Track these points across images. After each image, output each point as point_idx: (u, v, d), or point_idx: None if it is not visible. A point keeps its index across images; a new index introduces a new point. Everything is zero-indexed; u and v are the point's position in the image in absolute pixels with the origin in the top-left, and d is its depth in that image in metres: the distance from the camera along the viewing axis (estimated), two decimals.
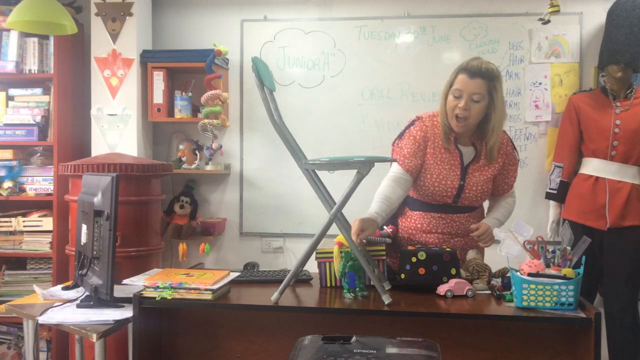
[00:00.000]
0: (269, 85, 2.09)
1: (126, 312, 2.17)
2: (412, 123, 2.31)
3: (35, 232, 3.44)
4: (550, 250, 1.96)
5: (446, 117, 2.22)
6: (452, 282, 2.04)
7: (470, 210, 2.34)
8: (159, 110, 3.57)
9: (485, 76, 2.14)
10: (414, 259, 2.08)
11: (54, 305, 2.30)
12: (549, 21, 3.08)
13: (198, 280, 2.02)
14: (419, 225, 2.34)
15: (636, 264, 3.02)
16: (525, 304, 1.88)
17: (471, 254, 2.27)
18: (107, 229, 2.23)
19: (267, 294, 2.02)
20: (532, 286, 1.87)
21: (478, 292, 2.08)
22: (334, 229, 2.05)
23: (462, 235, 2.33)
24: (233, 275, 2.17)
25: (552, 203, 3.33)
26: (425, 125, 2.28)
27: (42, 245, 3.43)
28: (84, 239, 2.39)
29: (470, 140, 2.27)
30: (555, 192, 3.26)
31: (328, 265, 2.18)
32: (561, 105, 3.44)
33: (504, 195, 2.40)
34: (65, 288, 2.50)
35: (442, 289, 2.04)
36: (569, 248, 1.95)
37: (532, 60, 3.51)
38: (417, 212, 2.34)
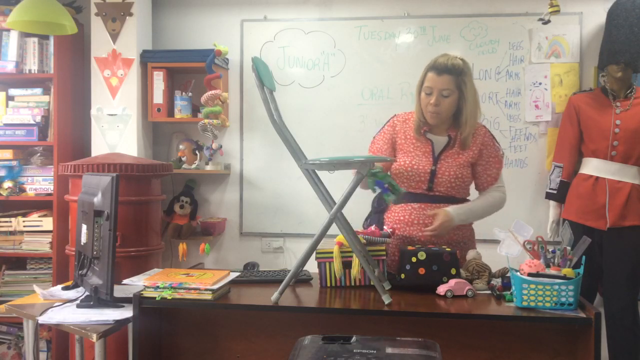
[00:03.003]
0: (269, 85, 2.09)
1: (126, 312, 2.16)
2: (388, 120, 2.48)
3: (35, 232, 3.44)
4: (550, 250, 1.96)
5: (421, 113, 2.35)
6: (452, 282, 2.04)
7: (449, 202, 2.35)
8: (159, 110, 3.57)
9: (452, 72, 2.25)
10: (414, 259, 2.08)
11: (54, 305, 2.29)
12: (549, 21, 3.08)
13: (198, 280, 2.02)
14: (401, 218, 2.37)
15: (636, 264, 3.02)
16: (525, 304, 1.88)
17: (471, 254, 2.27)
18: (107, 229, 2.23)
19: (267, 294, 2.02)
20: (532, 286, 1.87)
21: (478, 292, 2.08)
22: (334, 229, 2.05)
23: None
24: (233, 275, 2.16)
25: (552, 203, 3.33)
26: (396, 121, 2.45)
27: (42, 245, 3.43)
28: (84, 239, 2.39)
29: (446, 131, 2.38)
30: (555, 192, 3.27)
31: (328, 265, 2.18)
32: (561, 105, 3.44)
33: (488, 188, 2.43)
34: (65, 288, 2.50)
35: (442, 289, 2.04)
36: (569, 248, 1.95)
37: (532, 60, 3.51)
38: (399, 205, 2.39)
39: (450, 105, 2.29)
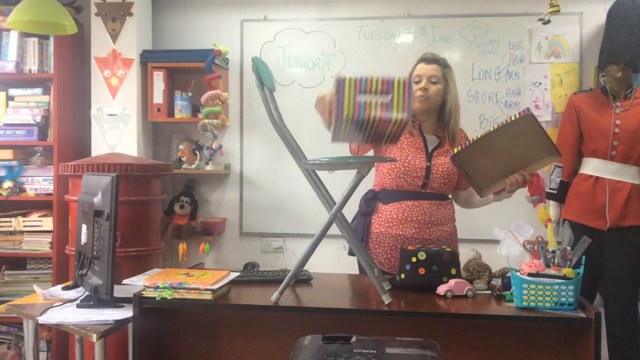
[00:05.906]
0: (269, 85, 2.09)
1: (126, 312, 2.17)
2: None
3: (35, 232, 3.44)
4: (550, 250, 1.96)
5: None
6: (452, 282, 2.04)
7: (441, 199, 2.41)
8: (159, 110, 3.57)
9: (439, 62, 2.42)
10: (414, 259, 2.08)
11: (54, 305, 2.29)
12: (549, 21, 3.08)
13: (198, 280, 2.02)
14: (394, 216, 2.37)
15: (636, 264, 3.02)
16: (525, 304, 1.88)
17: (471, 254, 2.27)
18: (107, 229, 2.23)
19: (267, 294, 2.02)
20: (532, 286, 1.87)
21: (478, 292, 2.08)
22: (334, 229, 2.04)
23: (438, 224, 2.38)
24: (233, 275, 2.16)
25: (552, 203, 3.32)
26: None
27: (42, 245, 3.44)
28: (84, 239, 2.39)
29: (434, 131, 2.46)
30: (555, 192, 3.26)
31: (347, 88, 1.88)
32: (561, 105, 3.44)
33: (467, 188, 2.49)
34: (65, 288, 2.50)
35: (442, 289, 2.04)
36: (569, 248, 1.95)
37: (532, 60, 3.51)
38: (391, 205, 2.39)
39: (438, 92, 2.39)
